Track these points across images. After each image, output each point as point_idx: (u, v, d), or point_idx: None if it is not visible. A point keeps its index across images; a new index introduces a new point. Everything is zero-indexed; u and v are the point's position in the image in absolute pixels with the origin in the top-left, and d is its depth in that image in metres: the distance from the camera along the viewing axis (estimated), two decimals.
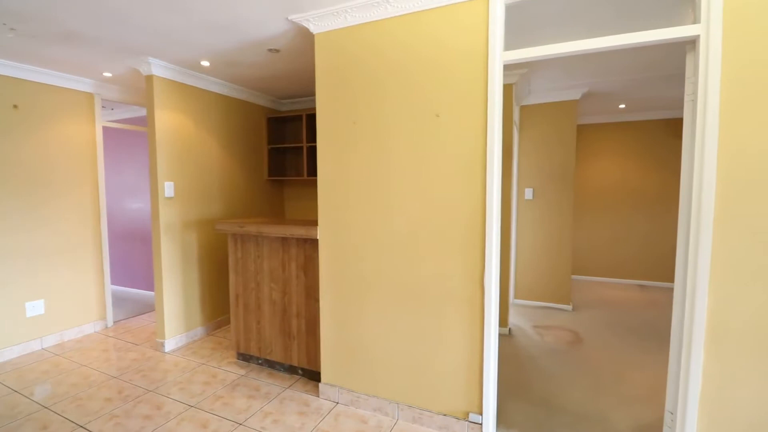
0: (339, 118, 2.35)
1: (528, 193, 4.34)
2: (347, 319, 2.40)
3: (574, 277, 5.77)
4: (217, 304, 3.78)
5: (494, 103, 1.97)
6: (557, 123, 4.20)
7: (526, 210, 4.37)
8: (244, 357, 3.04)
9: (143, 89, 3.98)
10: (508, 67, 3.29)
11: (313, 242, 2.60)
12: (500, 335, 3.56)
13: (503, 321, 3.59)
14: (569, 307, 4.27)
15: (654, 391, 2.58)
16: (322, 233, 2.44)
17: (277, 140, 4.52)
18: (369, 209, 2.29)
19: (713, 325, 1.67)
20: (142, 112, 4.82)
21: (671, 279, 5.30)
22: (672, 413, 1.83)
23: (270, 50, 2.85)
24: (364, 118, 2.27)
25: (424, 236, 2.17)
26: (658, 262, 5.36)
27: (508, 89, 3.42)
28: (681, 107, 4.91)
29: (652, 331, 3.64)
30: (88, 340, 3.50)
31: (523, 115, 4.34)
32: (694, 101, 1.70)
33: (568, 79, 3.69)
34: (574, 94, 4.07)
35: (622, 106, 4.80)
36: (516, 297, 4.48)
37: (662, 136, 5.27)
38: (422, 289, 2.19)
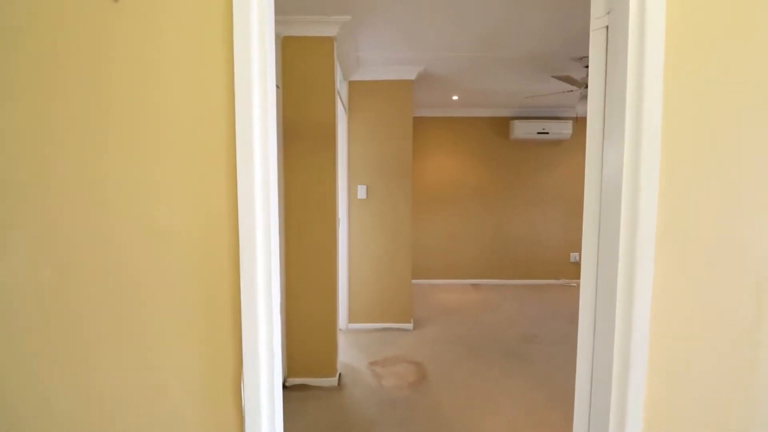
0: None
1: (361, 191, 3.49)
2: None
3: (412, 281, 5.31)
4: None
5: (249, 26, 0.87)
6: (392, 106, 3.47)
7: (359, 212, 3.52)
8: None
9: None
10: (324, 11, 2.30)
11: None
12: (326, 389, 2.56)
13: (330, 370, 2.60)
14: (410, 326, 3.62)
15: None
16: None
17: None
18: None
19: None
20: None
21: (500, 276, 5.36)
22: None
23: None
24: None
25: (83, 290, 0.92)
26: (489, 261, 5.35)
27: (327, 45, 2.43)
28: (505, 106, 4.92)
29: (496, 347, 3.24)
30: None
31: (353, 93, 3.46)
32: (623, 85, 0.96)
33: (403, 47, 2.94)
34: (410, 73, 3.40)
35: (456, 97, 4.47)
36: (351, 321, 3.60)
37: (491, 135, 5.25)
38: None
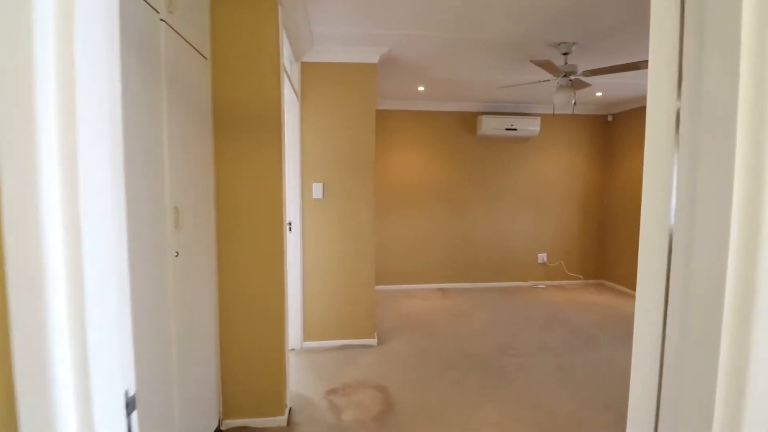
0: None
1: (316, 190, 3.04)
2: None
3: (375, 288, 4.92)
4: None
5: None
6: (353, 92, 3.04)
7: (315, 214, 3.07)
8: None
9: None
10: None
11: None
12: (272, 430, 2.10)
13: (277, 407, 2.14)
14: (373, 341, 3.22)
15: None
16: None
17: None
18: None
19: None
20: None
21: (468, 279, 5.09)
22: None
23: None
24: None
25: None
26: (456, 264, 5.07)
27: (269, 8, 1.96)
28: (473, 99, 4.65)
29: (471, 362, 2.91)
30: None
31: (307, 76, 3.01)
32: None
33: (363, 22, 2.52)
34: (372, 55, 2.99)
35: (422, 88, 4.12)
36: (306, 339, 3.14)
37: (458, 130, 4.96)
38: None
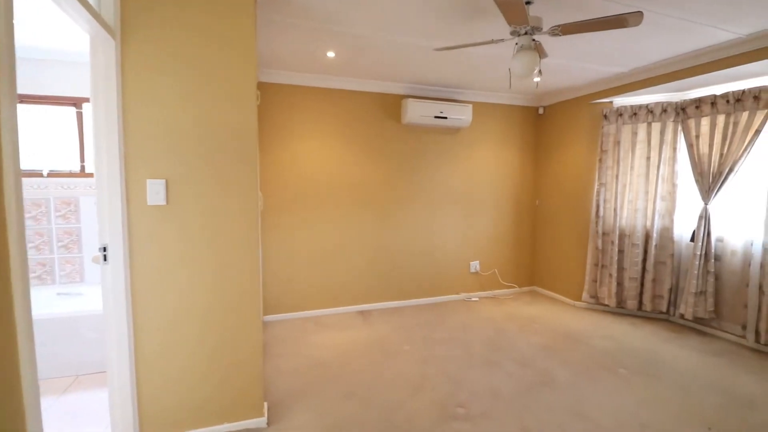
0: None
1: (154, 191, 1.84)
2: None
3: (268, 318, 3.78)
4: None
5: None
6: (217, 40, 1.90)
7: (154, 228, 1.86)
8: None
9: None
10: None
11: None
12: None
13: None
14: (262, 421, 2.12)
15: None
16: None
17: None
18: None
19: None
20: None
21: (393, 297, 4.22)
22: None
23: None
24: None
25: None
26: (379, 279, 4.16)
27: None
28: (397, 79, 3.76)
29: None
30: None
31: (132, 3, 1.78)
32: None
33: None
34: None
35: (332, 54, 3.09)
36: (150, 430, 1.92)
37: (380, 116, 4.03)
38: None
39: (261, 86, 3.55)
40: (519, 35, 2.08)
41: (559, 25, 1.96)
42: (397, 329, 3.55)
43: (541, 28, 2.04)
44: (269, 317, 3.72)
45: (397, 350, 3.10)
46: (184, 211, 1.89)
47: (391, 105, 4.04)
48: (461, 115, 4.11)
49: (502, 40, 2.15)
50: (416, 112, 3.93)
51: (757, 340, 3.09)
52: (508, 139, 4.60)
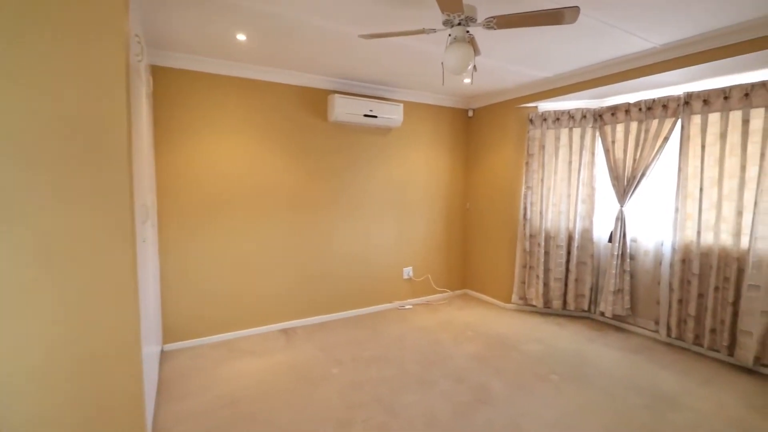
0: None
1: None
2: None
3: (170, 347, 3.22)
4: None
5: None
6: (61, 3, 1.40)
7: None
8: None
9: None
10: None
11: None
12: None
13: None
14: None
15: None
16: None
17: None
18: None
19: None
20: None
21: (321, 310, 3.86)
22: None
23: None
24: None
25: None
26: (306, 292, 3.77)
27: None
28: (323, 72, 3.40)
29: None
30: None
31: None
32: None
33: None
34: None
35: (243, 37, 2.65)
36: None
37: (304, 113, 3.64)
38: None
39: (157, 71, 2.97)
40: (452, 25, 1.87)
41: (494, 17, 1.77)
42: (325, 349, 3.21)
43: (476, 19, 1.85)
44: (171, 346, 3.14)
45: (325, 375, 2.76)
46: (13, 225, 1.37)
47: (316, 100, 3.68)
48: (392, 115, 3.89)
49: (434, 30, 1.93)
50: (344, 109, 3.61)
51: (669, 335, 3.30)
52: (439, 140, 4.49)
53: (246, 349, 3.19)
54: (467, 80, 3.63)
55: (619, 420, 2.25)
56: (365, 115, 3.73)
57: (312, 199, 3.72)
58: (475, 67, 2.09)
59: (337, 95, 3.58)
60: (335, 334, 3.51)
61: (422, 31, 1.94)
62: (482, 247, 4.57)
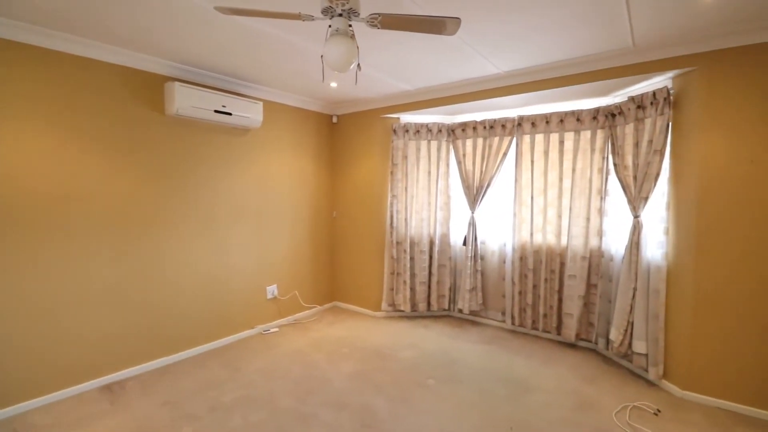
0: None
1: None
2: None
3: None
4: None
5: None
6: None
7: None
8: None
9: None
10: None
11: None
12: None
13: None
14: None
15: None
16: None
17: None
18: None
19: None
20: None
21: (166, 351, 3.07)
22: None
23: None
24: None
25: None
26: (141, 331, 2.94)
27: None
28: (157, 51, 2.70)
29: None
30: None
31: None
32: None
33: None
34: None
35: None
36: None
37: (131, 103, 2.83)
38: None
39: None
40: (333, 15, 1.66)
41: (379, 14, 1.64)
42: (170, 402, 2.53)
43: (359, 13, 1.68)
44: None
45: None
46: None
47: (147, 87, 2.93)
48: (250, 114, 3.42)
49: (311, 17, 1.67)
50: (188, 101, 2.98)
51: (513, 323, 3.79)
52: (303, 145, 4.20)
53: (47, 425, 2.25)
54: (334, 84, 3.47)
55: (493, 416, 2.40)
56: (217, 111, 3.17)
57: (147, 213, 2.95)
58: (359, 65, 1.92)
59: (177, 83, 2.93)
60: (184, 379, 2.84)
61: (298, 16, 1.67)
62: (350, 257, 4.47)
